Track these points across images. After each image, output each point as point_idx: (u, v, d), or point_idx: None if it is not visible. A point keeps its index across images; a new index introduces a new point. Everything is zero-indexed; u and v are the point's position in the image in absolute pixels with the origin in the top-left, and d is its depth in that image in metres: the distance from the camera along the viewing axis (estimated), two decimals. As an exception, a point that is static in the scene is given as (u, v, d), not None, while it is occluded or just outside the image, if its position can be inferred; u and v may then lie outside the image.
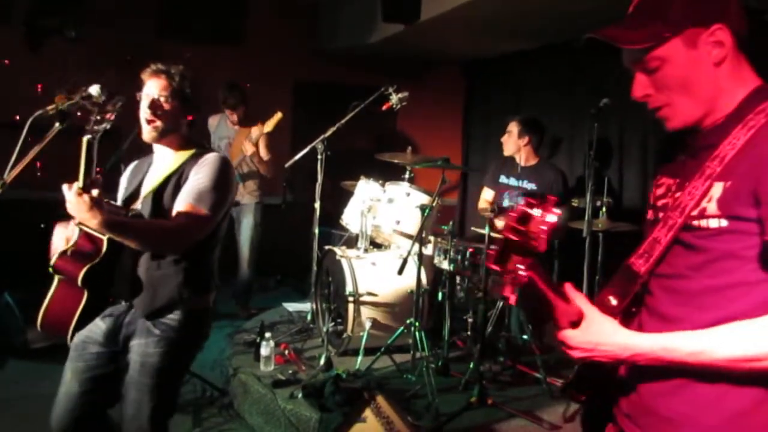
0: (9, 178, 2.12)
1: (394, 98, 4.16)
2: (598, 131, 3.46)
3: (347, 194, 4.45)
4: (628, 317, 1.34)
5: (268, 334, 3.80)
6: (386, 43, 5.63)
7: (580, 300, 1.28)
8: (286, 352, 3.94)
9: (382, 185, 4.18)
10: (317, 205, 4.36)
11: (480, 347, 3.49)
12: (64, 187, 1.94)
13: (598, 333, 1.25)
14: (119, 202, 2.35)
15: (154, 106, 2.21)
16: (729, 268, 1.18)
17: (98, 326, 2.20)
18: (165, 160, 2.31)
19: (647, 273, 1.29)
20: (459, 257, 3.90)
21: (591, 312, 1.27)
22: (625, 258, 1.35)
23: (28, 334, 4.11)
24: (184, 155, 2.28)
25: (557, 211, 1.16)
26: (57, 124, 2.19)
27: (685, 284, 1.24)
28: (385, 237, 4.26)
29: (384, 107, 4.23)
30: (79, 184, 1.92)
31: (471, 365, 3.55)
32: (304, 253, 6.20)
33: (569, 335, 1.27)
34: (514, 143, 4.28)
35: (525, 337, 3.72)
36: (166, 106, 2.22)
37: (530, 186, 4.21)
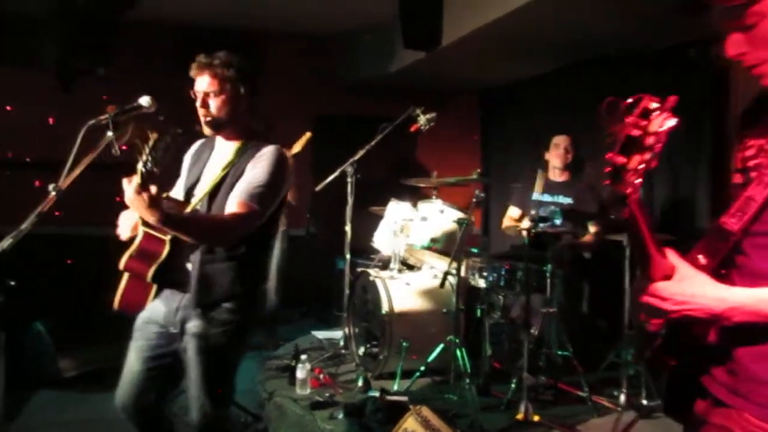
0: (64, 184, 2.13)
1: (422, 119, 4.19)
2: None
3: (369, 222, 4.44)
4: (717, 279, 1.31)
5: (303, 356, 3.75)
6: (404, 73, 5.73)
7: (672, 255, 1.26)
8: (321, 376, 3.87)
9: (414, 205, 4.19)
10: (347, 228, 4.35)
11: (524, 363, 3.41)
12: (124, 181, 1.97)
13: (693, 284, 1.23)
14: (182, 188, 2.40)
15: (205, 103, 2.26)
16: None
17: (158, 308, 2.28)
18: (224, 150, 2.34)
19: (741, 231, 1.27)
20: (495, 275, 3.86)
21: (684, 266, 1.25)
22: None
23: (59, 363, 4.07)
24: (241, 147, 2.30)
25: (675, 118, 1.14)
26: (109, 134, 2.23)
27: None
28: (417, 257, 4.24)
29: (412, 129, 4.26)
30: (138, 180, 1.94)
31: (513, 385, 3.47)
32: (327, 284, 6.22)
33: (663, 286, 1.24)
34: (561, 157, 4.29)
35: (567, 353, 3.63)
36: (217, 100, 2.26)
37: (566, 201, 4.22)
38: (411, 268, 4.39)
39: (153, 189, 1.95)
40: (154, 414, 2.33)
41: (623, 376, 3.53)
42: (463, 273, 4.11)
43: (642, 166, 1.16)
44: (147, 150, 1.96)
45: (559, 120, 5.53)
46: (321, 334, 4.93)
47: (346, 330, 4.30)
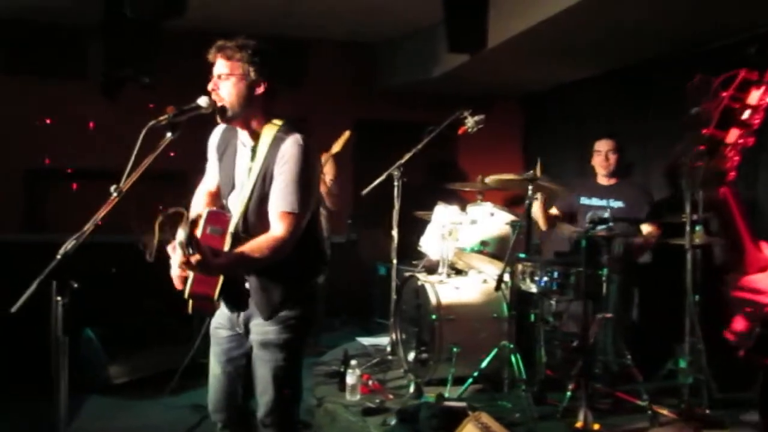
0: (125, 186, 2.12)
1: (470, 122, 4.13)
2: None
3: (410, 227, 4.38)
4: None
5: (353, 362, 3.69)
6: (447, 78, 5.69)
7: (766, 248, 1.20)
8: (370, 382, 3.81)
9: (462, 208, 4.12)
10: (394, 232, 4.30)
11: (582, 369, 3.30)
12: (169, 248, 2.03)
13: None
14: (214, 175, 2.36)
15: (215, 84, 2.16)
16: None
17: (224, 311, 2.30)
18: (248, 146, 2.25)
19: None
20: (546, 279, 3.76)
21: None
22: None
23: (110, 370, 4.09)
24: (265, 144, 2.19)
25: None
26: (168, 134, 2.21)
27: None
28: (466, 261, 4.16)
29: (459, 131, 4.21)
30: (181, 258, 1.94)
31: (568, 394, 3.37)
32: (368, 291, 6.18)
33: (760, 278, 1.18)
34: (602, 163, 4.20)
35: (624, 360, 3.50)
36: (227, 84, 2.14)
37: (617, 204, 4.09)
38: (458, 272, 4.31)
39: (196, 258, 1.93)
40: (245, 413, 2.34)
41: (683, 384, 3.39)
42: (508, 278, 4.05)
43: (741, 140, 1.12)
44: (184, 229, 1.93)
45: (604, 124, 5.44)
46: (366, 341, 4.88)
47: (393, 336, 4.24)
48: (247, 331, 2.28)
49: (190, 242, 1.92)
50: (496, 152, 6.66)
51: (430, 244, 4.23)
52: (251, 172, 2.22)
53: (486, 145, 6.39)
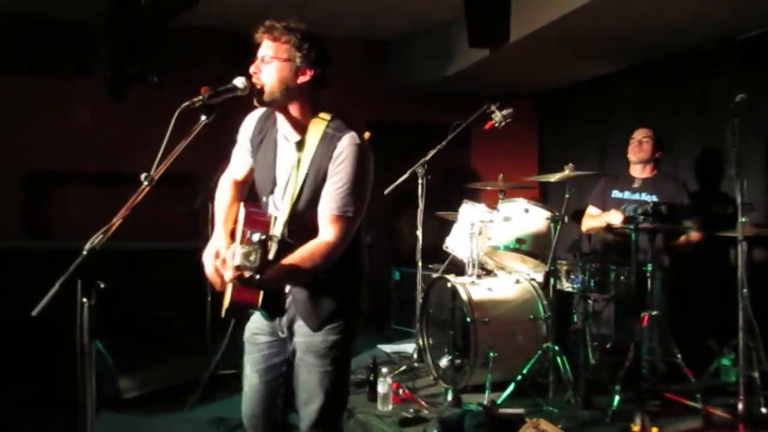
0: (156, 174, 1.92)
1: (498, 116, 3.96)
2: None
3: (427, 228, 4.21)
4: None
5: (384, 370, 3.47)
6: (461, 77, 5.53)
7: None
8: (401, 391, 3.59)
9: (491, 206, 3.94)
10: (419, 232, 4.10)
11: (630, 370, 3.11)
12: (224, 275, 1.90)
13: None
14: (243, 161, 2.19)
15: (257, 66, 1.98)
16: None
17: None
18: (291, 141, 2.05)
19: None
20: (584, 277, 3.58)
21: None
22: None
23: (120, 383, 3.84)
24: (313, 140, 2.00)
25: None
26: (203, 117, 2.01)
27: None
28: (499, 260, 3.96)
29: (486, 126, 4.03)
30: (232, 273, 1.85)
31: (616, 397, 3.17)
32: (383, 297, 5.95)
33: None
34: (635, 149, 4.03)
35: (673, 359, 3.31)
36: (269, 66, 1.97)
37: (650, 198, 3.92)
38: (487, 272, 4.11)
39: (247, 274, 1.82)
40: (283, 424, 2.16)
41: (737, 383, 3.20)
42: (540, 277, 3.87)
43: None
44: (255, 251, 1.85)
45: (625, 120, 5.28)
46: (388, 348, 4.65)
47: (420, 341, 4.02)
48: (291, 334, 2.09)
49: (264, 267, 1.82)
50: (511, 152, 6.50)
51: (458, 243, 4.04)
52: (298, 170, 2.02)
53: (501, 145, 6.23)
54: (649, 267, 3.35)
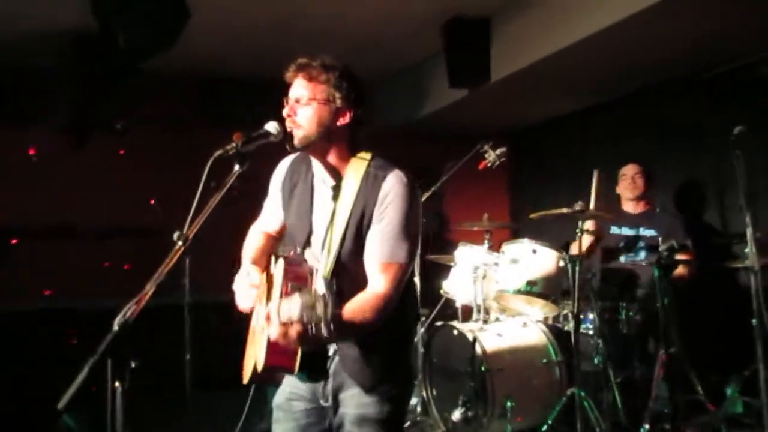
0: (191, 232, 1.71)
1: (491, 155, 3.91)
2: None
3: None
4: None
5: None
6: (434, 118, 5.51)
7: None
8: (413, 450, 3.37)
9: (491, 248, 3.83)
10: (416, 279, 3.93)
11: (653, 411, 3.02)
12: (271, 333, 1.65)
13: None
14: (275, 212, 2.05)
15: (292, 109, 1.82)
16: None
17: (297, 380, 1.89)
18: (328, 184, 1.90)
19: None
20: (592, 317, 3.51)
21: None
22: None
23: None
24: (354, 181, 1.84)
25: None
26: (237, 167, 1.82)
27: None
28: (506, 303, 3.83)
29: (480, 166, 3.96)
30: (279, 330, 1.59)
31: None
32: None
33: None
34: (630, 186, 4.04)
35: (698, 395, 3.26)
36: (307, 109, 1.82)
37: (649, 232, 3.92)
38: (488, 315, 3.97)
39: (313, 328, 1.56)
40: None
41: (745, 413, 3.19)
42: (547, 318, 3.78)
43: None
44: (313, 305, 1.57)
45: (601, 154, 5.34)
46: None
47: (423, 393, 3.82)
48: (336, 405, 1.87)
49: (320, 324, 1.51)
50: (480, 192, 6.46)
51: (458, 287, 3.89)
52: (337, 215, 1.85)
53: (472, 186, 6.18)
54: (665, 301, 3.30)
